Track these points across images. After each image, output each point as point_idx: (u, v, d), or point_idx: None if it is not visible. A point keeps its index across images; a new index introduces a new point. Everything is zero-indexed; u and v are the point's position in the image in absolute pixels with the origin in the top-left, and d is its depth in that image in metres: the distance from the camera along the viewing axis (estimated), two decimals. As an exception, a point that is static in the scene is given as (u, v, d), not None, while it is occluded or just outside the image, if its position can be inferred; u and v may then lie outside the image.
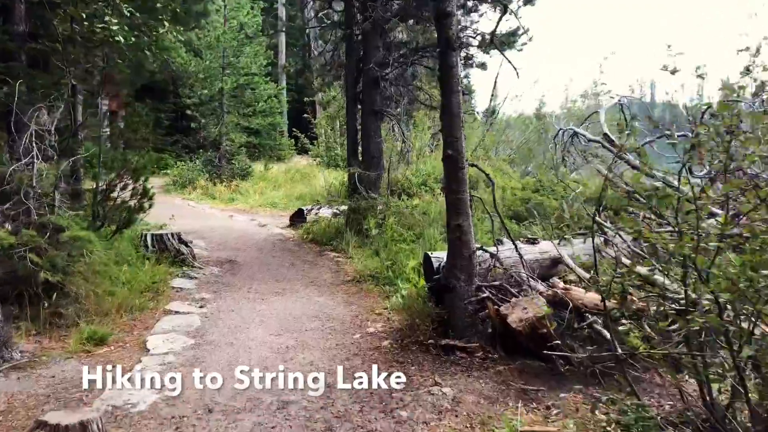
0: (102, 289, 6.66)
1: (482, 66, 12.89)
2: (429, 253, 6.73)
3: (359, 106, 12.73)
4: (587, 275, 5.00)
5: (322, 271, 9.23)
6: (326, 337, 6.02)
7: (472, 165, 6.40)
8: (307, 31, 34.28)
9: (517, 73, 7.16)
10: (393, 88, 12.40)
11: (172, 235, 9.50)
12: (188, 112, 24.36)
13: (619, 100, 11.69)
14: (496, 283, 5.84)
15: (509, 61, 7.07)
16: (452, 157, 5.66)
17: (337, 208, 13.31)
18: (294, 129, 31.37)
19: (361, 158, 12.41)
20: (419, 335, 5.80)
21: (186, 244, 9.59)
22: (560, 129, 13.16)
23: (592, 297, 5.13)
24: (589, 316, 5.32)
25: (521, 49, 12.13)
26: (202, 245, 11.42)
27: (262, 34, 23.63)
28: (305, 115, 29.09)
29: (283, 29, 34.34)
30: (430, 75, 13.34)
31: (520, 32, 11.60)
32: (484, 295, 5.68)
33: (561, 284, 6.19)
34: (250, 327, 6.32)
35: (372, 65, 11.71)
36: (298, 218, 14.50)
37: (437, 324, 5.90)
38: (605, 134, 11.43)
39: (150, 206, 9.59)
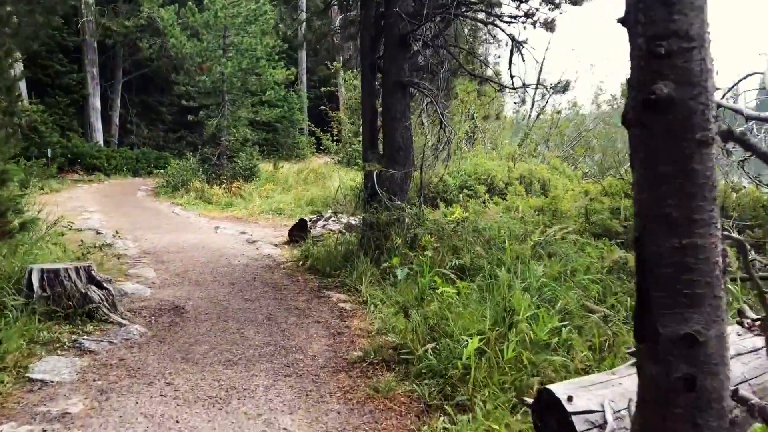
0: None
1: (549, 25, 9.10)
2: (552, 389, 2.90)
3: (379, 79, 9.13)
4: None
5: (315, 336, 5.55)
6: None
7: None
8: None
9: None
10: (428, 51, 8.71)
11: (79, 270, 5.90)
12: (184, 102, 20.89)
13: None
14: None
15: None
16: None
17: (349, 220, 9.67)
18: (312, 125, 27.89)
19: (382, 151, 8.79)
20: None
21: (100, 285, 6.00)
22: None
23: None
24: None
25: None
26: (149, 277, 7.85)
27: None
28: (322, 108, 25.54)
29: None
30: (481, 34, 9.64)
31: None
32: None
33: None
34: None
35: (398, 17, 8.06)
36: (299, 231, 10.94)
37: None
38: None
39: (21, 228, 6.03)
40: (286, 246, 10.85)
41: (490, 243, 7.24)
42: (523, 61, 8.48)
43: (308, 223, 11.01)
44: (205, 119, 20.19)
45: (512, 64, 8.63)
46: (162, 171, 21.36)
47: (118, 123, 28.08)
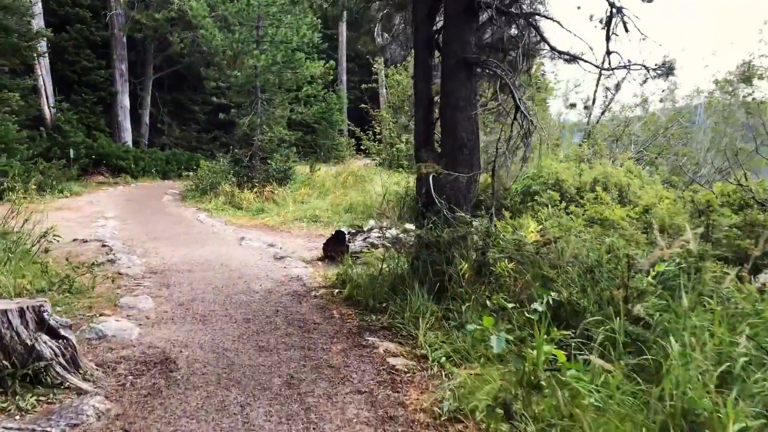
0: None
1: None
2: None
3: (436, 57, 7.32)
4: None
5: (354, 420, 3.72)
6: None
7: None
8: None
9: None
10: (503, 19, 6.83)
11: (25, 313, 4.18)
12: (214, 99, 19.33)
13: None
14: None
15: None
16: None
17: (395, 232, 7.83)
18: (351, 124, 26.15)
19: (439, 148, 6.95)
20: None
21: (55, 333, 4.28)
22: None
23: None
24: None
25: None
26: (144, 308, 6.14)
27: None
28: (362, 106, 23.79)
29: None
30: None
31: None
32: None
33: None
34: None
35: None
36: (335, 246, 9.20)
37: None
38: None
39: None
40: (319, 263, 9.08)
41: (594, 272, 5.31)
42: (627, 31, 6.52)
43: (346, 236, 9.22)
44: (237, 118, 18.61)
45: (612, 35, 6.70)
46: (191, 173, 19.82)
47: (148, 122, 26.73)
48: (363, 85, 25.43)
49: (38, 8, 20.64)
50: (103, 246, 9.79)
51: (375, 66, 23.44)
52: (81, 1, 22.75)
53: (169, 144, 27.15)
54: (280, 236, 12.27)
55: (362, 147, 23.56)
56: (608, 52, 6.84)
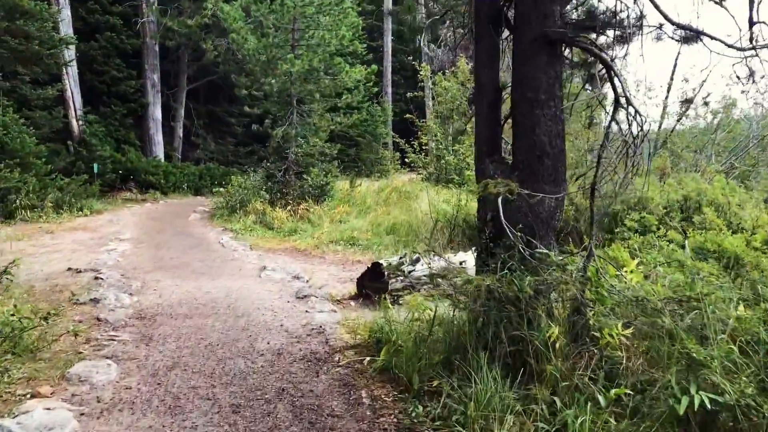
0: None
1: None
2: None
3: (505, 35, 5.50)
4: None
5: None
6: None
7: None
8: None
9: None
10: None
11: None
12: (247, 108, 17.78)
13: None
14: None
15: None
16: None
17: (450, 277, 5.95)
18: (396, 136, 24.36)
19: (513, 157, 5.09)
20: None
21: None
22: None
23: None
24: None
25: None
26: (102, 383, 4.45)
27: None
28: (408, 116, 22.00)
29: None
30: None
31: None
32: None
33: None
34: None
35: None
36: (372, 281, 7.39)
37: None
38: None
39: None
40: (351, 303, 7.28)
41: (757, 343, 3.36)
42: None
43: (384, 271, 7.38)
44: (270, 128, 17.02)
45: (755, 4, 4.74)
46: (222, 189, 18.28)
47: (181, 135, 25.41)
48: (408, 94, 23.57)
49: (66, 15, 19.53)
50: (96, 279, 8.16)
51: (421, 73, 21.63)
52: (111, 9, 21.57)
53: (204, 158, 25.79)
54: (311, 263, 10.52)
55: (407, 160, 21.72)
56: (751, 23, 4.86)
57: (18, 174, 14.49)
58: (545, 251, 4.60)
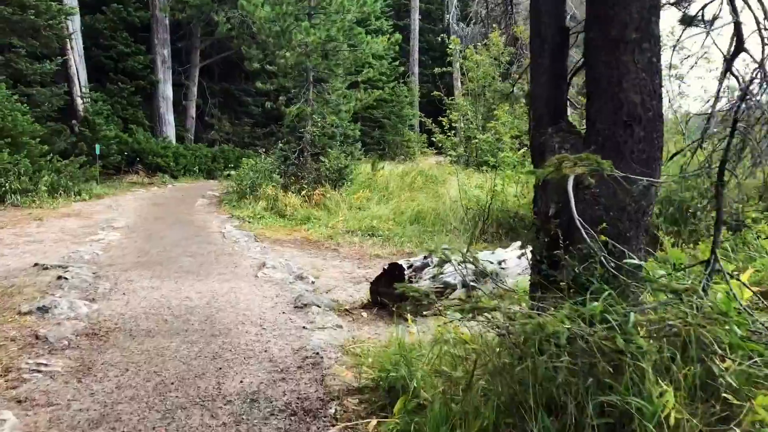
0: None
1: None
2: None
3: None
4: None
5: None
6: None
7: None
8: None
9: None
10: None
11: None
12: (259, 84, 16.31)
13: None
14: None
15: None
16: None
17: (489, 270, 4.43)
18: (423, 115, 22.75)
19: (586, 127, 3.53)
20: None
21: None
22: None
23: None
24: None
25: None
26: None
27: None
28: (435, 94, 20.38)
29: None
30: None
31: None
32: None
33: None
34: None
35: None
36: (390, 285, 5.87)
37: None
38: None
39: None
40: (363, 314, 5.84)
41: None
42: None
43: (406, 270, 5.90)
44: (285, 106, 15.54)
45: None
46: (233, 173, 16.90)
47: (194, 115, 24.01)
48: (436, 69, 21.87)
49: (71, -15, 18.22)
50: (59, 278, 6.79)
51: (450, 47, 19.95)
52: (119, -22, 20.22)
53: (219, 139, 24.42)
54: (322, 257, 9.09)
55: (435, 140, 20.11)
56: None
57: (7, 155, 13.23)
58: (637, 262, 3.10)
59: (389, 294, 5.89)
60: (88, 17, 19.25)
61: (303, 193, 14.13)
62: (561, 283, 3.22)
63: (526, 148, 15.19)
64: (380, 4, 16.45)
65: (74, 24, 18.16)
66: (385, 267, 6.08)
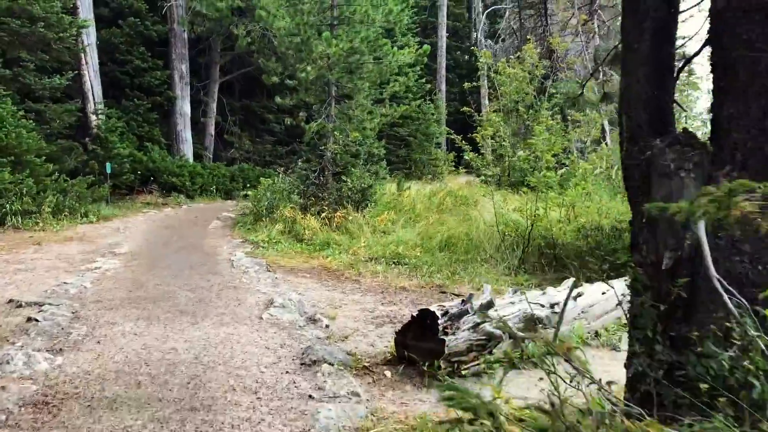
0: None
1: None
2: None
3: None
4: None
5: None
6: None
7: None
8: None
9: None
10: None
11: None
12: (278, 99, 15.37)
13: None
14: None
15: None
16: None
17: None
18: (451, 132, 21.63)
19: (712, 139, 2.34)
20: None
21: None
22: None
23: None
24: None
25: None
26: None
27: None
28: (464, 109, 19.27)
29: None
30: None
31: None
32: None
33: None
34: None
35: None
36: (419, 337, 4.80)
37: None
38: None
39: None
40: (386, 374, 4.73)
41: None
42: None
43: (439, 319, 4.75)
44: (305, 122, 14.57)
45: None
46: (249, 194, 15.94)
47: (213, 133, 23.15)
48: (465, 84, 20.75)
49: (87, -3, 17.56)
50: (29, 320, 5.77)
51: (481, 60, 18.87)
52: (135, -8, 19.53)
53: (239, 158, 23.55)
54: (340, 290, 8.01)
55: (466, 158, 18.96)
56: None
57: (9, 174, 12.37)
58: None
59: (418, 348, 4.76)
60: (104, 31, 18.56)
61: (323, 215, 13.06)
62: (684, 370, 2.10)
63: (566, 168, 14.00)
64: (407, 14, 15.41)
65: (89, 38, 17.47)
66: (414, 314, 4.93)
